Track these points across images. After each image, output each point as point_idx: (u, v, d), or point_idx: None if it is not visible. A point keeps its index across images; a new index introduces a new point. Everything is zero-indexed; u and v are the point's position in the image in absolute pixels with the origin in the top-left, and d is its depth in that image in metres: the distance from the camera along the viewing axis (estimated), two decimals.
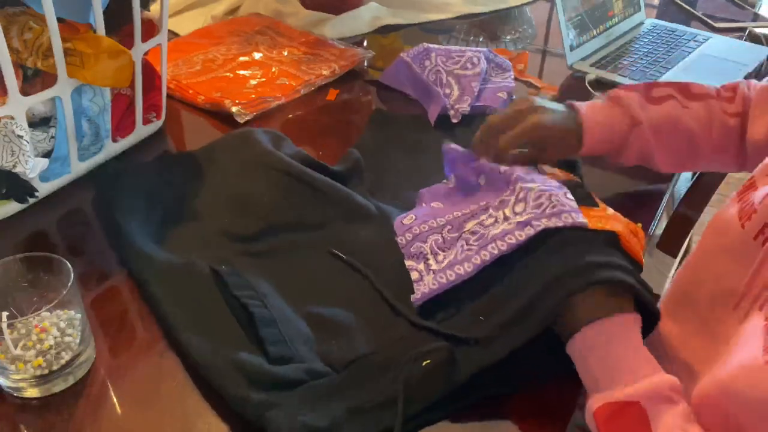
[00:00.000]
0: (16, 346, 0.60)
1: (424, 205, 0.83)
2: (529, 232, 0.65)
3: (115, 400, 0.63)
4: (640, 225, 0.68)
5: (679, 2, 1.60)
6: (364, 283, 0.73)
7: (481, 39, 1.40)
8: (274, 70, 1.16)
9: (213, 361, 0.62)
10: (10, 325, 0.60)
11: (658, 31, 1.39)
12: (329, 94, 1.14)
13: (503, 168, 0.76)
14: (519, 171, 0.74)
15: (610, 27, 1.33)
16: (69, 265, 0.62)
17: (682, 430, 0.54)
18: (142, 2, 0.88)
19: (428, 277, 0.70)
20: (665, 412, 0.55)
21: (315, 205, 0.82)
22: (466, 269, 0.67)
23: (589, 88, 1.18)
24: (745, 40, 1.42)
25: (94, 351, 0.66)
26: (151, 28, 0.92)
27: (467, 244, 0.70)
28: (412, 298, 0.69)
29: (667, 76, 1.20)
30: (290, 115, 1.08)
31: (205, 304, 0.69)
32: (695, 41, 1.34)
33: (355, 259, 0.76)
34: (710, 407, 0.55)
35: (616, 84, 1.19)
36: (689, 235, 1.17)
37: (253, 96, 1.08)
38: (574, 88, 1.20)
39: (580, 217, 0.64)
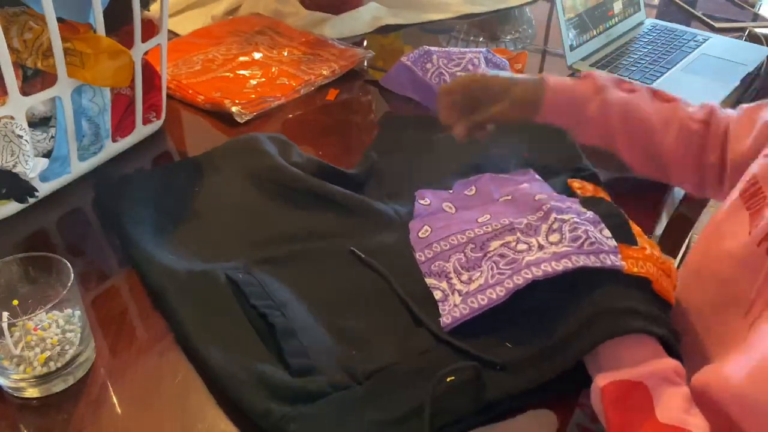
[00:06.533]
0: (16, 346, 0.60)
1: (427, 200, 0.82)
2: (567, 265, 0.64)
3: (115, 400, 0.63)
4: (673, 261, 0.67)
5: (679, 2, 1.60)
6: (386, 290, 0.72)
7: (481, 39, 1.40)
8: (274, 70, 1.16)
9: (234, 373, 0.61)
10: (10, 325, 0.60)
11: (658, 31, 1.39)
12: (329, 94, 1.14)
13: (538, 196, 0.75)
14: (553, 201, 0.73)
15: (610, 27, 1.33)
16: (69, 265, 0.62)
17: (684, 410, 0.54)
18: (142, 2, 0.88)
19: (454, 298, 0.68)
20: (668, 393, 0.55)
21: (333, 218, 0.81)
22: (498, 293, 0.65)
23: None
24: (745, 40, 1.42)
25: (94, 351, 0.66)
26: (151, 28, 0.92)
27: (497, 267, 0.68)
28: (442, 323, 0.67)
29: (667, 76, 1.20)
30: (290, 115, 1.08)
31: (224, 314, 0.68)
32: (695, 41, 1.35)
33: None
34: (709, 404, 0.56)
35: None
36: (689, 235, 1.17)
37: (253, 96, 1.08)
38: None
39: (618, 260, 0.64)
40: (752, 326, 0.59)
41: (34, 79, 0.81)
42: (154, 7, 0.96)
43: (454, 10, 1.49)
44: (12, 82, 0.73)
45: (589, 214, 0.70)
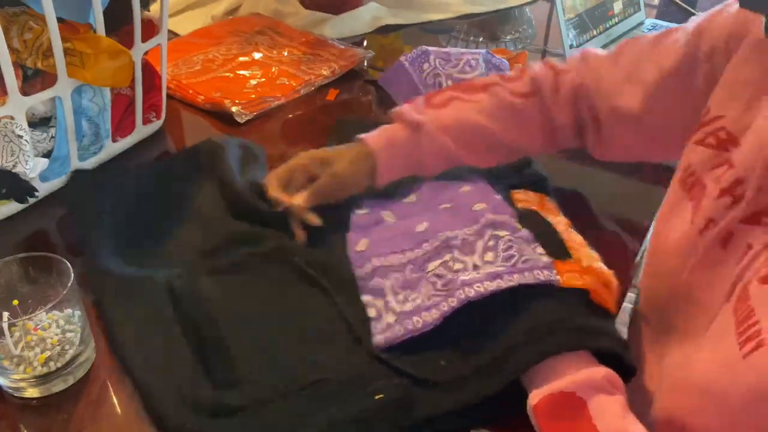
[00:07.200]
0: (16, 347, 0.60)
1: (365, 210, 0.79)
2: (500, 285, 0.63)
3: (114, 400, 0.63)
4: (612, 272, 0.66)
5: (679, 2, 1.60)
6: (326, 305, 0.70)
7: (481, 39, 1.40)
8: (274, 70, 1.16)
9: (153, 383, 0.60)
10: (10, 325, 0.60)
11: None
12: (329, 94, 1.14)
13: (476, 206, 0.74)
14: (489, 213, 0.72)
15: (610, 27, 1.33)
16: (69, 265, 0.62)
17: (622, 417, 0.54)
18: (142, 2, 0.88)
19: (388, 317, 0.66)
20: (603, 402, 0.55)
21: (276, 234, 0.79)
22: (433, 316, 0.64)
23: None
24: None
25: (94, 351, 0.66)
26: (151, 28, 0.92)
27: (434, 288, 0.67)
28: (375, 342, 0.65)
29: None
30: (290, 115, 1.08)
31: (157, 322, 0.66)
32: None
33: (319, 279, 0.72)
34: (690, 413, 0.54)
35: None
36: None
37: (253, 96, 1.08)
38: None
39: (553, 275, 0.63)
40: (710, 320, 0.57)
41: (34, 79, 0.81)
42: (154, 7, 0.96)
43: (454, 10, 1.48)
44: (12, 82, 0.73)
45: (524, 231, 0.69)
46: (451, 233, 0.71)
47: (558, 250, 0.67)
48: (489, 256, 0.68)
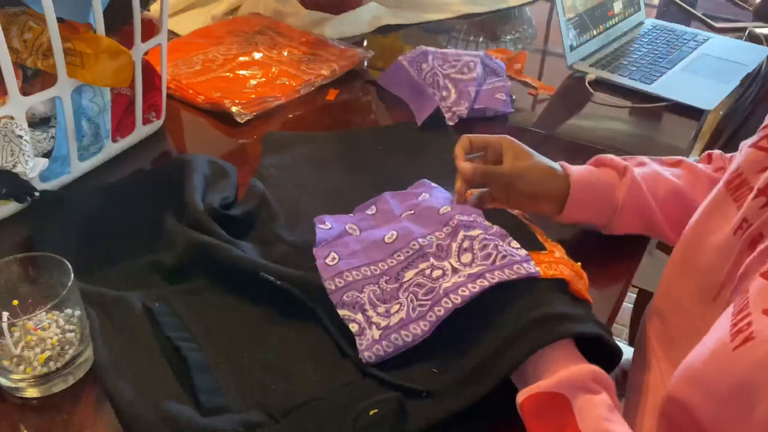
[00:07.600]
0: (16, 347, 0.60)
1: (328, 224, 0.78)
2: (483, 284, 0.62)
3: None
4: (579, 264, 0.66)
5: (679, 2, 1.60)
6: (309, 322, 0.69)
7: (480, 39, 1.40)
8: (274, 70, 1.16)
9: (137, 412, 0.58)
10: (10, 326, 0.60)
11: (658, 31, 1.39)
12: (329, 94, 1.14)
13: (443, 209, 0.74)
14: (458, 214, 0.72)
15: (610, 27, 1.33)
16: (69, 265, 0.62)
17: (605, 419, 0.54)
18: (142, 2, 0.88)
19: (372, 332, 0.65)
20: (587, 402, 0.55)
21: (249, 252, 0.76)
22: (422, 328, 0.63)
23: (589, 88, 1.18)
24: (745, 40, 1.42)
25: None
26: (151, 28, 0.92)
27: (416, 298, 0.66)
28: (364, 358, 0.64)
29: (667, 76, 1.20)
30: (290, 115, 1.08)
31: (137, 344, 0.65)
32: (695, 41, 1.35)
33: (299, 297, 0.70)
34: (679, 406, 0.55)
35: (615, 84, 1.19)
36: None
37: (253, 96, 1.08)
38: (574, 88, 1.20)
39: (533, 267, 0.63)
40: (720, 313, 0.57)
41: (34, 79, 0.81)
42: (154, 7, 0.96)
43: (454, 10, 1.49)
44: (12, 82, 0.73)
45: (495, 228, 0.69)
46: (423, 240, 0.71)
47: (531, 242, 0.67)
48: (466, 257, 0.67)
